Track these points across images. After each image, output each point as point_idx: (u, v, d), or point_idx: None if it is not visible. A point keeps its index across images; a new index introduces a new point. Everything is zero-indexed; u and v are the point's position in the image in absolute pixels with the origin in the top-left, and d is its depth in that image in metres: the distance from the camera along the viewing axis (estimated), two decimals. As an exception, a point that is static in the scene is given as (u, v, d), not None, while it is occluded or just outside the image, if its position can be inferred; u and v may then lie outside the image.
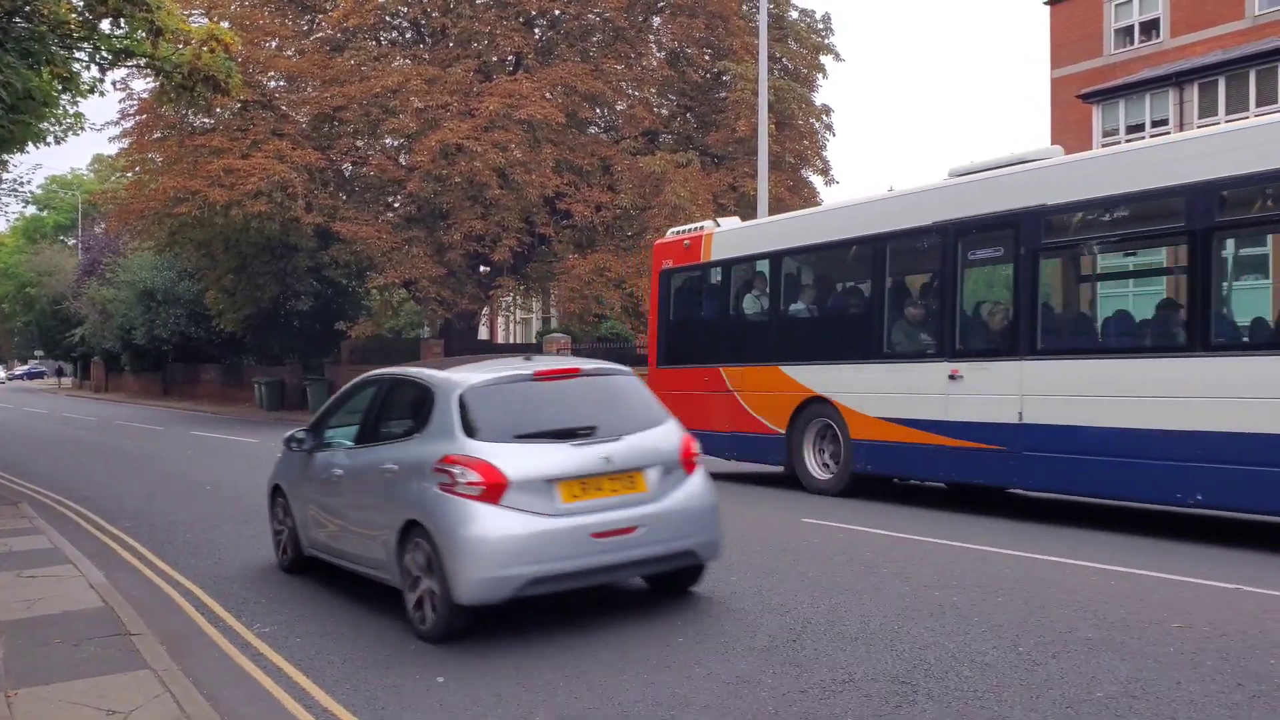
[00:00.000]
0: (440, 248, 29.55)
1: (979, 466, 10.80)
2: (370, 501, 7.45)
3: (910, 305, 12.23)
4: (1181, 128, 26.66)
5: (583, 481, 6.64)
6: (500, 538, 6.34)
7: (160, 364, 50.89)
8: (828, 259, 13.60)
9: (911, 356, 11.79)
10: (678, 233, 15.82)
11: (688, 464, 7.19)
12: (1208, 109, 26.27)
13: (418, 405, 7.30)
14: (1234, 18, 26.85)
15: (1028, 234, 10.43)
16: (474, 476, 6.43)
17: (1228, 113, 25.83)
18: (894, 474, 12.29)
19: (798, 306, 13.65)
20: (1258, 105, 25.39)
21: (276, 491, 9.12)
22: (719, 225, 15.09)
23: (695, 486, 7.17)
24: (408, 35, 34.34)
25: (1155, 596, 7.12)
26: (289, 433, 8.86)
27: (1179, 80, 26.57)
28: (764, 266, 14.03)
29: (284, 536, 8.96)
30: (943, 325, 11.43)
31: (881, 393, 11.89)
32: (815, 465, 12.91)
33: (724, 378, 14.14)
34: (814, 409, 12.83)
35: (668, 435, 7.26)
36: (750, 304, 14.22)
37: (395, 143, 32.27)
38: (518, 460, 6.56)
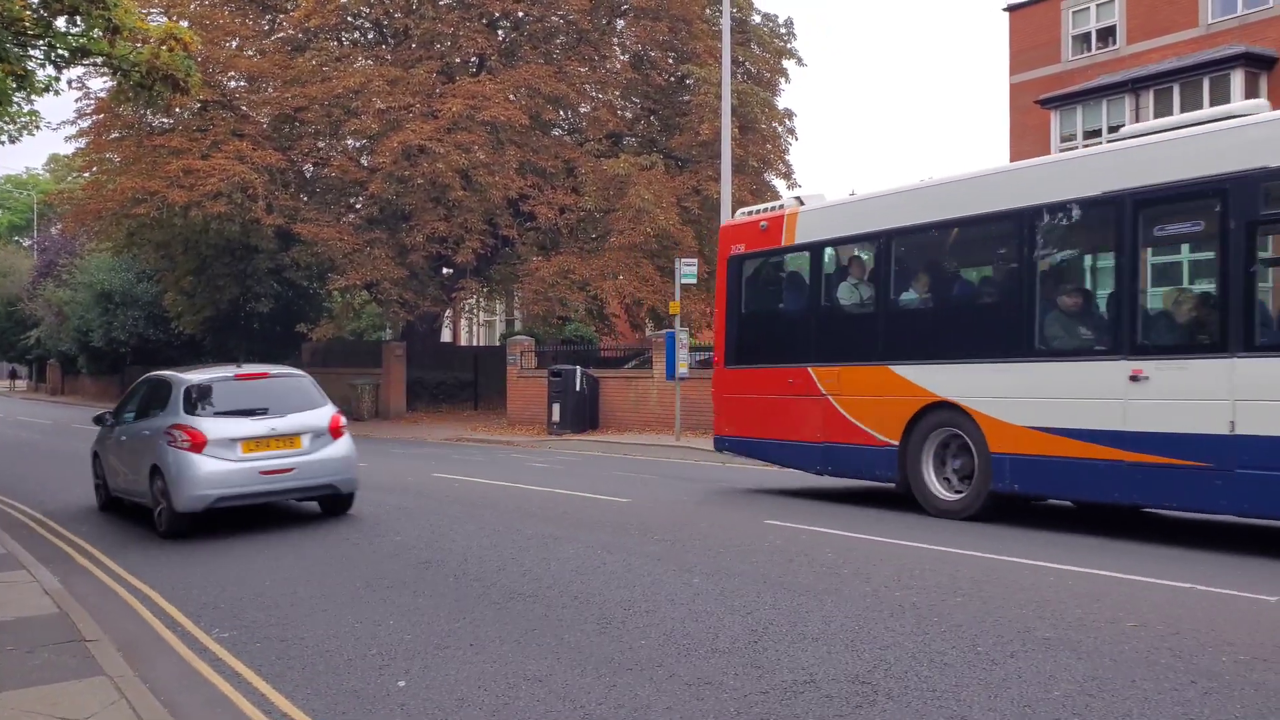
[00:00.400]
0: (402, 249, 29.41)
1: (1173, 487, 9.13)
2: (137, 455, 11.70)
3: (1069, 292, 10.37)
4: (1137, 133, 26.91)
5: (256, 440, 11.01)
6: (201, 474, 10.67)
7: (118, 366, 50.22)
8: (955, 238, 11.55)
9: (1074, 354, 10.06)
10: (750, 213, 13.99)
11: (335, 433, 11.55)
12: (1162, 115, 26.64)
13: (164, 394, 11.76)
14: (1188, 26, 27.28)
15: (1239, 203, 8.73)
16: (185, 437, 10.78)
17: (1182, 119, 26.12)
18: (1051, 494, 10.59)
19: (913, 295, 11.73)
20: (1211, 112, 25.70)
21: (95, 455, 13.45)
22: (803, 203, 13.14)
23: (338, 447, 11.54)
24: (370, 36, 34.17)
25: (1111, 596, 7.21)
26: (98, 413, 13.69)
27: (1135, 87, 26.96)
28: (868, 249, 12.24)
29: (101, 485, 13.30)
30: (1118, 316, 9.65)
31: (1034, 397, 10.05)
32: (936, 482, 11.04)
33: (814, 379, 12.27)
34: (937, 416, 10.99)
35: (321, 415, 11.58)
36: (848, 293, 12.46)
37: (357, 143, 32.10)
38: (215, 427, 10.92)
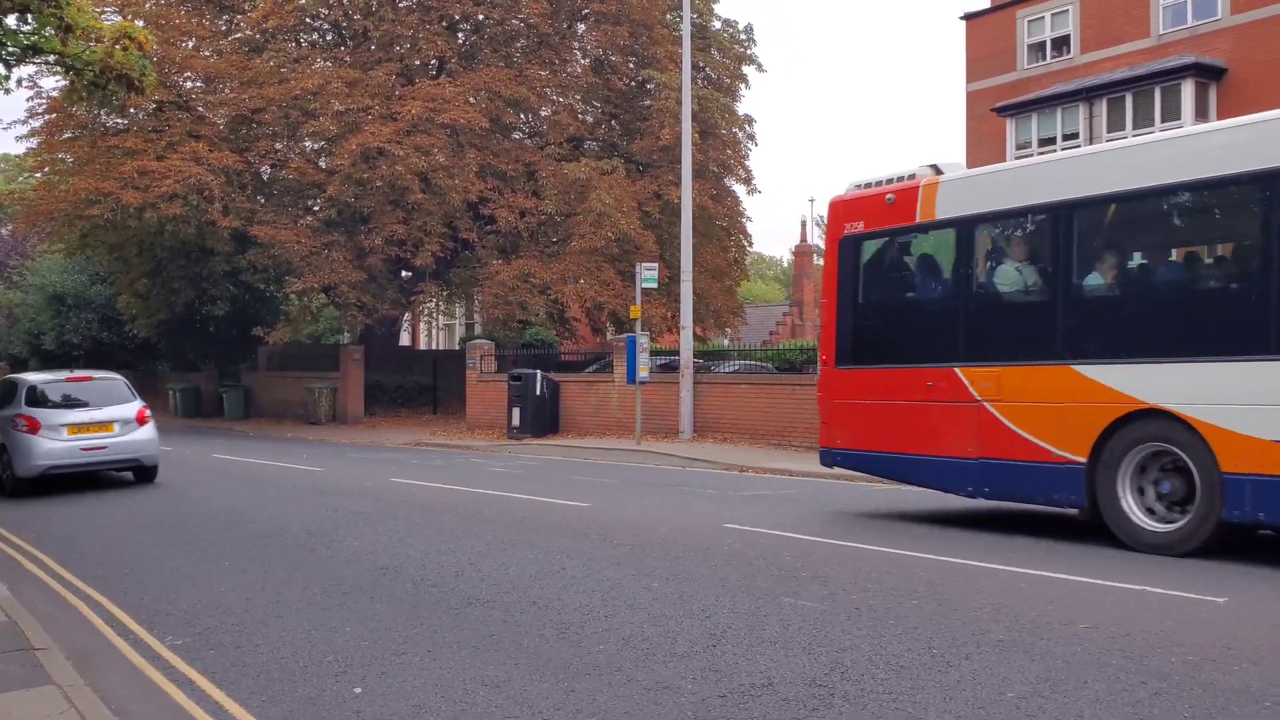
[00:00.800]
0: (361, 252, 29.22)
1: None
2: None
3: None
4: (1091, 142, 27.41)
5: (79, 426, 15.25)
6: (37, 450, 14.89)
7: (71, 369, 49.42)
8: (1165, 209, 9.61)
9: None
10: (864, 186, 11.96)
11: (140, 421, 15.78)
12: (1115, 123, 27.08)
13: (13, 391, 15.91)
14: (1140, 36, 27.74)
15: None
16: (25, 423, 14.99)
17: (1134, 128, 26.64)
18: None
19: (1107, 279, 9.71)
20: (1162, 120, 26.24)
21: None
22: (941, 172, 11.19)
23: (143, 432, 15.81)
24: (329, 37, 33.93)
25: (1065, 599, 7.31)
26: None
27: (1089, 95, 27.38)
28: (1040, 225, 10.23)
29: None
30: None
31: None
32: (1137, 509, 9.17)
33: (964, 382, 10.33)
34: (1141, 427, 9.12)
35: (130, 408, 15.82)
36: (1011, 278, 10.44)
37: (315, 145, 31.87)
38: (48, 416, 15.17)
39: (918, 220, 11.09)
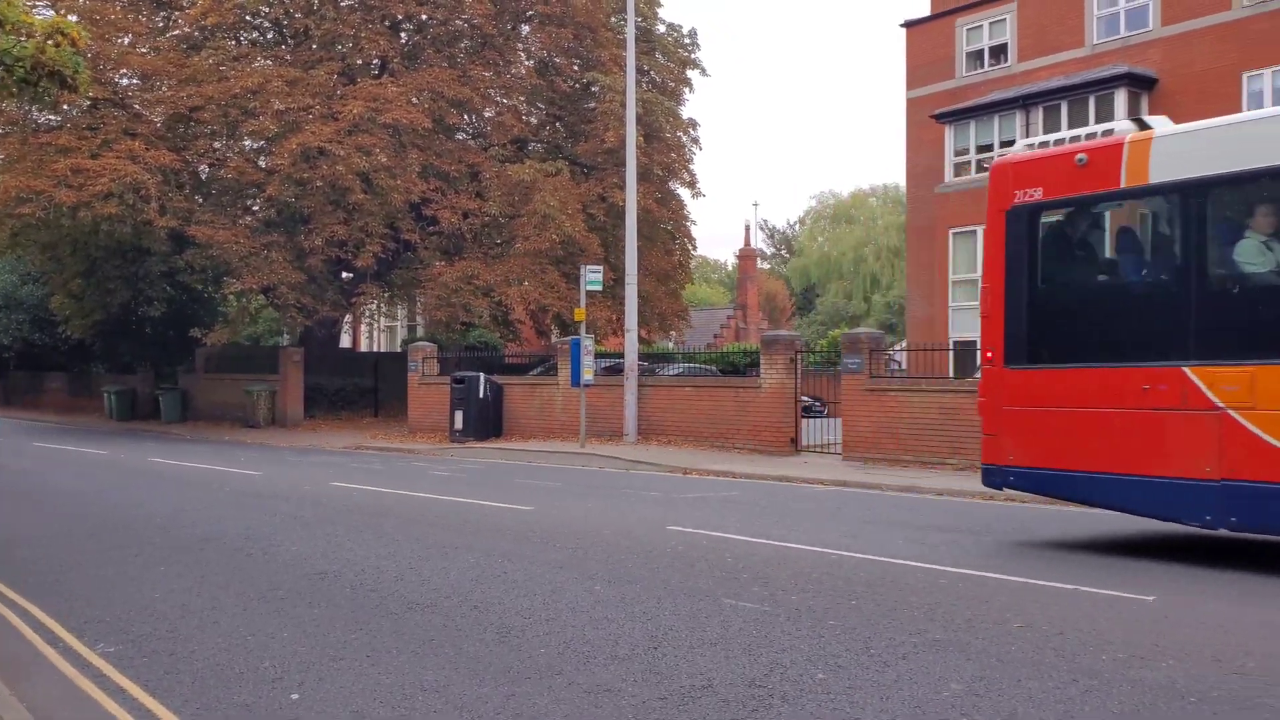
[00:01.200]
0: (301, 253, 28.86)
1: None
2: None
3: None
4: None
5: None
6: None
7: (2, 372, 48.29)
8: None
9: None
10: (1038, 146, 10.09)
11: None
12: (1051, 130, 27.53)
13: None
14: (1075, 45, 28.30)
15: None
16: None
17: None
18: None
19: None
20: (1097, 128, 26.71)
21: None
22: (1150, 127, 9.33)
23: None
24: (269, 36, 33.49)
25: (1000, 598, 7.44)
26: None
27: (1025, 104, 27.87)
28: None
29: None
30: None
31: None
32: None
33: (1199, 385, 8.50)
34: None
35: None
36: (1258, 255, 8.53)
37: (255, 145, 31.40)
38: None
39: (1123, 185, 9.16)
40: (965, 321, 28.61)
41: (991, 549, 9.59)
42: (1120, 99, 26.25)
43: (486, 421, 24.66)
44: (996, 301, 9.91)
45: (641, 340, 26.64)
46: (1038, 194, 9.67)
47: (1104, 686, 5.41)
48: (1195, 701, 5.19)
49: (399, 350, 38.66)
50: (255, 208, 31.46)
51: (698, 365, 26.62)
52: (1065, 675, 5.60)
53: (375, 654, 6.37)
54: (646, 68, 32.28)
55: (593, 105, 31.96)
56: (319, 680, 5.91)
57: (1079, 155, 9.36)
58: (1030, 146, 10.19)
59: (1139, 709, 5.09)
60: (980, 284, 9.96)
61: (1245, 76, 25.07)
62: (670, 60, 33.74)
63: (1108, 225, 9.90)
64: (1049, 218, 9.84)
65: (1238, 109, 25.05)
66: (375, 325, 48.35)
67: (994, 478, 10.07)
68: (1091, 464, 9.17)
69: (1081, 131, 9.86)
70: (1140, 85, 26.31)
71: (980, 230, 28.51)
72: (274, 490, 15.11)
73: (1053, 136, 10.13)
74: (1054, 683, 5.48)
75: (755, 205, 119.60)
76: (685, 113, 34.07)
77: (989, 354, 10.04)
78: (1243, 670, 5.69)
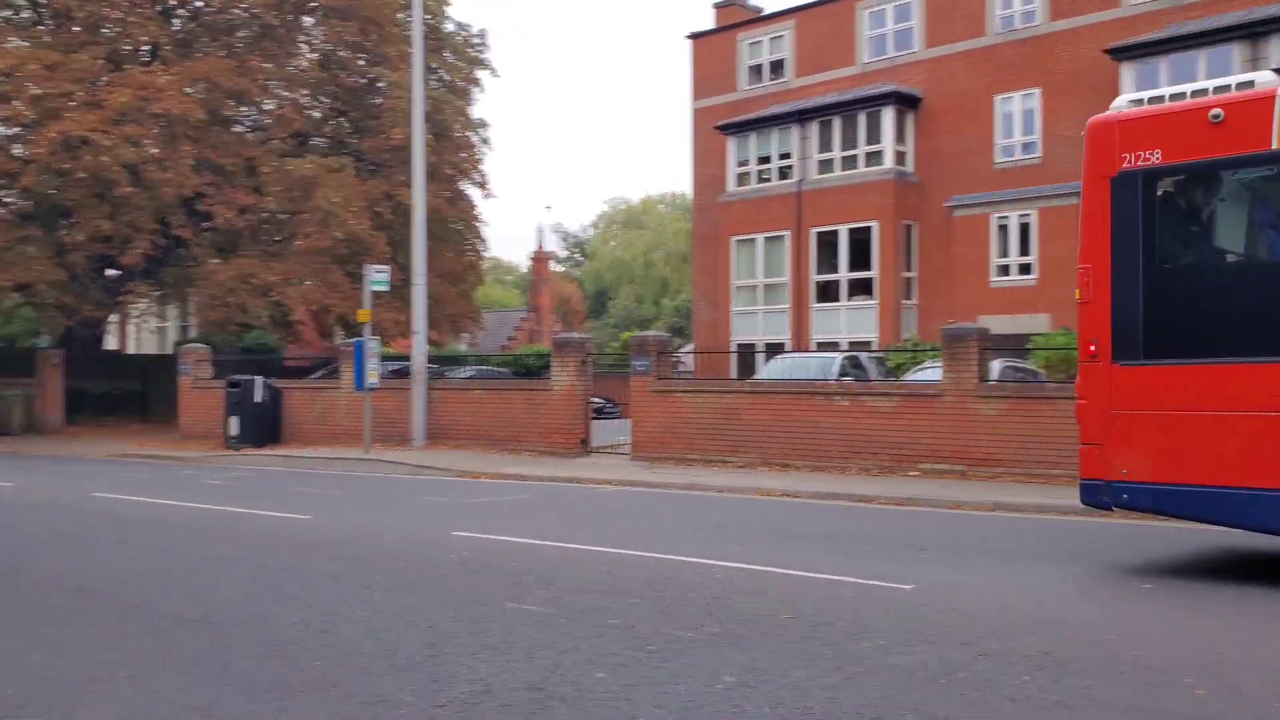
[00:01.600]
0: (61, 248, 27.02)
1: None
2: None
3: None
4: (804, 161, 29.16)
5: None
6: None
7: None
8: None
9: None
10: (1145, 101, 8.63)
11: None
12: (825, 144, 28.92)
13: None
14: (847, 64, 29.79)
15: None
16: None
17: (842, 149, 28.58)
18: None
19: None
20: (867, 143, 28.25)
21: None
22: None
23: None
24: (24, 14, 31.13)
25: (772, 591, 7.75)
26: None
27: (801, 118, 29.12)
28: None
29: None
30: None
31: None
32: None
33: None
34: None
35: None
36: None
37: (8, 131, 29.15)
38: None
39: (1275, 146, 7.73)
40: (746, 325, 29.64)
41: (767, 544, 9.97)
42: (888, 115, 27.78)
43: (264, 427, 23.72)
44: (1100, 285, 8.37)
45: (432, 342, 26.26)
46: (1155, 157, 8.20)
47: (866, 673, 5.72)
48: (945, 683, 5.54)
49: (170, 353, 36.68)
50: (9, 199, 29.25)
51: (490, 368, 26.45)
52: (830, 663, 5.88)
53: (138, 674, 6.04)
54: (435, 66, 31.87)
55: (379, 101, 31.31)
56: (71, 705, 5.55)
57: (1214, 111, 7.97)
58: (1135, 103, 8.67)
59: (895, 693, 5.40)
60: (1078, 264, 8.52)
61: (997, 99, 27.03)
62: (460, 59, 33.47)
63: (1255, 194, 8.40)
64: (1172, 185, 8.44)
65: (992, 129, 27.02)
66: (144, 326, 45.66)
67: (1099, 495, 8.49)
68: (1239, 479, 7.79)
69: (1206, 85, 8.45)
70: (906, 103, 27.96)
71: (761, 239, 29.63)
72: (28, 501, 14.07)
73: (1165, 91, 8.69)
74: (820, 670, 5.75)
75: (548, 208, 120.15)
76: (476, 112, 34.02)
77: (1092, 348, 8.42)
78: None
